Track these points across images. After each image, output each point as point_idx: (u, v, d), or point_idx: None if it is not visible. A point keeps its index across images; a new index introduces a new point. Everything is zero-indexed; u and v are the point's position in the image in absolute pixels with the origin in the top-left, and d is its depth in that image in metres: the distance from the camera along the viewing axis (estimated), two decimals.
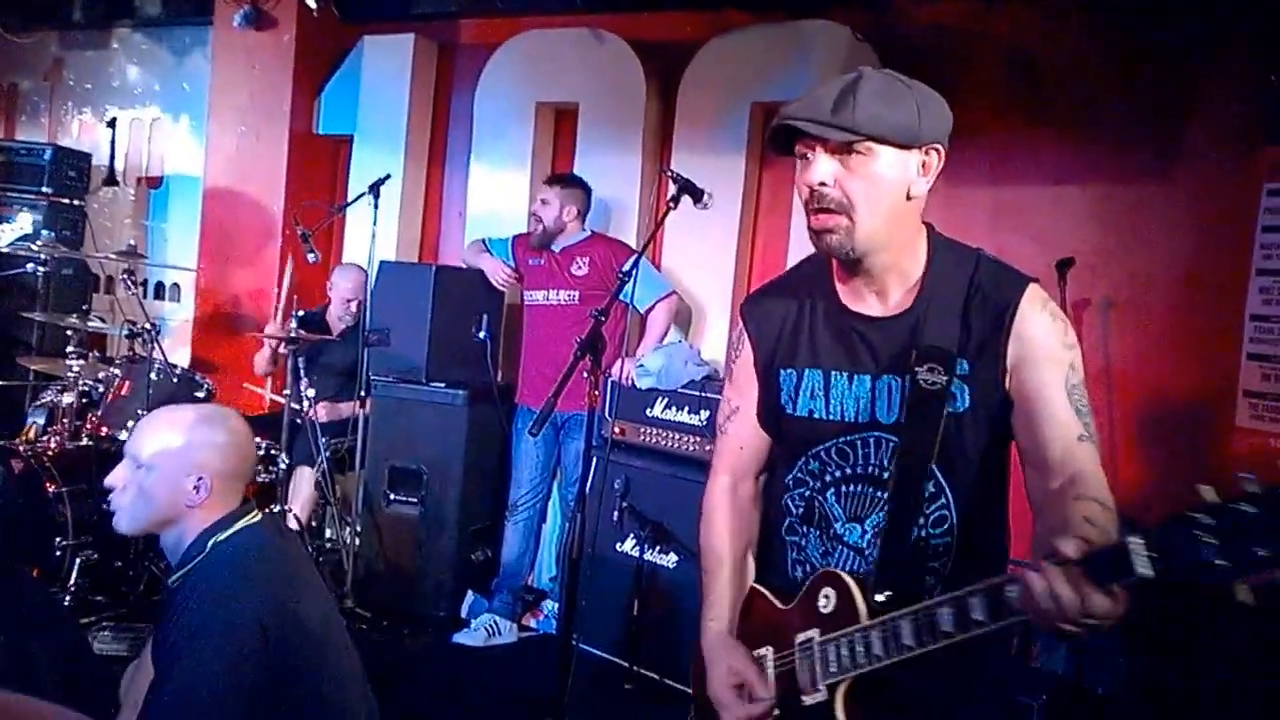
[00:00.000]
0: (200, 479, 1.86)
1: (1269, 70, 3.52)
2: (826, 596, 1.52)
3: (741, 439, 1.73)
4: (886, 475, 1.55)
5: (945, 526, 1.55)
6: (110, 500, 1.91)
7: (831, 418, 1.58)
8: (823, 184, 1.45)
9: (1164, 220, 3.76)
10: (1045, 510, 1.43)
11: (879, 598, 1.47)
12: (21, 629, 1.96)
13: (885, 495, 1.55)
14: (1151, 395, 3.75)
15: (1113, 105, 3.84)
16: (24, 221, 4.47)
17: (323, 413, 4.36)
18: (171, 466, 1.86)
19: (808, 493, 1.63)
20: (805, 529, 1.64)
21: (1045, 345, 1.47)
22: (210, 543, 1.85)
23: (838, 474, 1.60)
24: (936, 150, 1.51)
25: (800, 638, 1.53)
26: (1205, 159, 3.70)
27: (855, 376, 1.56)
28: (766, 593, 1.66)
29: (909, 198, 1.49)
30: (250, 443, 2.00)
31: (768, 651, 1.59)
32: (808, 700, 1.50)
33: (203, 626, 1.70)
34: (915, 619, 1.36)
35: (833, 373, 1.58)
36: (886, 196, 1.47)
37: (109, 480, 1.92)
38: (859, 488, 1.58)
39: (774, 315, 1.67)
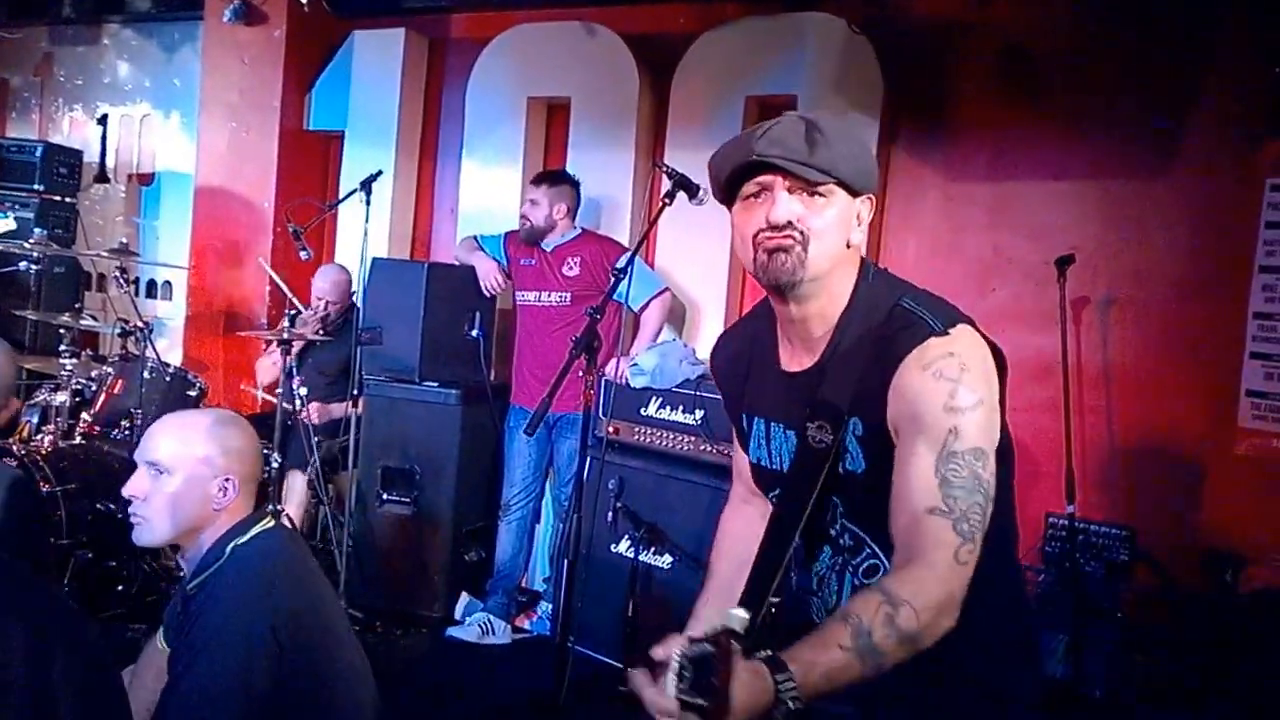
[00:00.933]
0: (228, 480, 1.87)
1: (1270, 63, 3.47)
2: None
3: (740, 465, 1.75)
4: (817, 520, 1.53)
5: (878, 575, 1.47)
6: (132, 512, 1.89)
7: (773, 467, 1.59)
8: (788, 223, 1.41)
9: (1165, 216, 3.72)
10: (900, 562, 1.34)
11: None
12: (45, 646, 1.92)
13: (822, 543, 1.56)
14: (1152, 394, 3.71)
15: (1112, 100, 3.80)
16: (7, 223, 4.44)
17: (315, 414, 4.33)
18: (199, 471, 1.86)
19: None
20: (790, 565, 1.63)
21: (919, 409, 1.36)
22: (230, 547, 1.85)
23: (786, 520, 1.55)
24: (870, 201, 1.50)
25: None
26: (1207, 154, 3.66)
27: (788, 431, 1.55)
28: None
29: (848, 245, 1.48)
30: (259, 444, 2.02)
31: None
32: None
33: (221, 630, 1.71)
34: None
35: (771, 423, 1.59)
36: (837, 241, 1.45)
37: (128, 491, 1.89)
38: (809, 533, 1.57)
39: (733, 360, 1.70)
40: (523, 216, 4.12)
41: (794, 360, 1.55)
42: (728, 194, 1.50)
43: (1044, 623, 3.35)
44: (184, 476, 1.86)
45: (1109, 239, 3.78)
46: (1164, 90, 3.72)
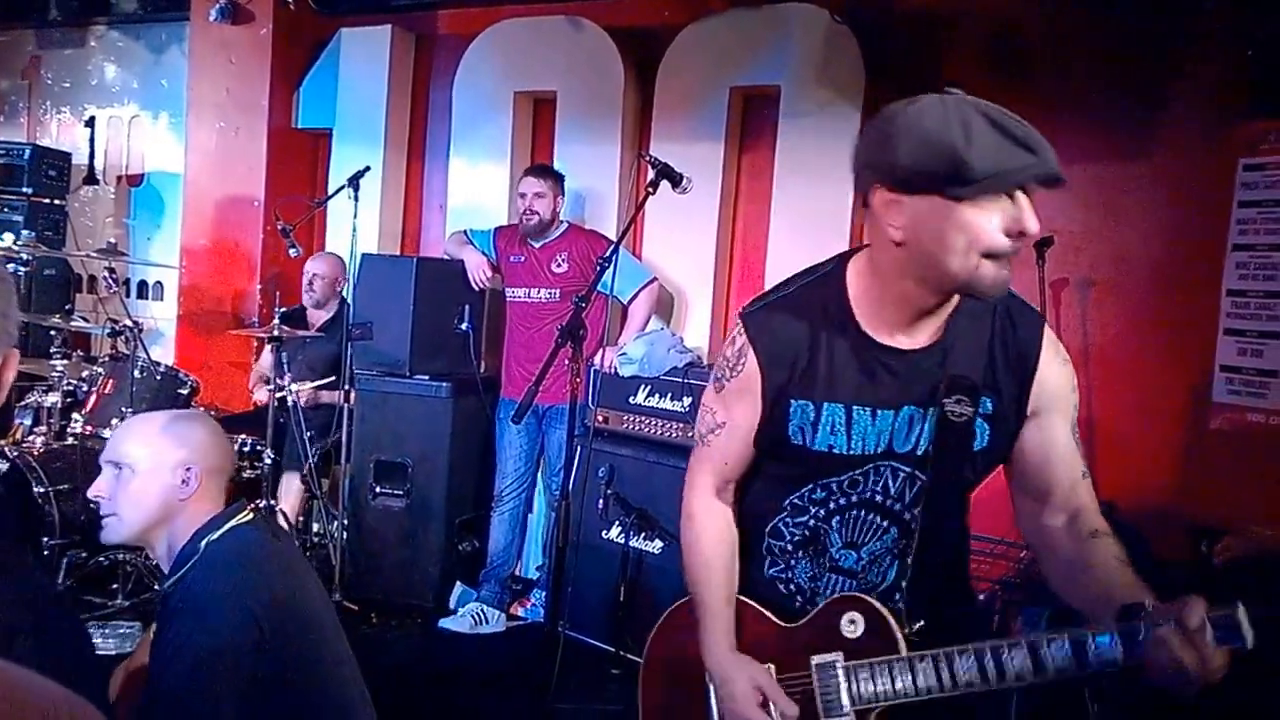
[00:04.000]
0: (188, 469, 1.88)
1: (1246, 46, 3.53)
2: (853, 622, 1.52)
3: (727, 454, 1.64)
4: (891, 503, 1.56)
5: (920, 565, 1.58)
6: (100, 512, 1.91)
7: (853, 452, 1.54)
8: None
9: (1143, 198, 3.78)
10: (1053, 543, 1.54)
11: (913, 629, 1.51)
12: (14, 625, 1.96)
13: (886, 522, 1.57)
14: (1130, 372, 3.77)
15: (1092, 84, 3.85)
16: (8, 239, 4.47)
17: (303, 396, 4.36)
18: (158, 463, 1.88)
19: (810, 520, 1.60)
20: (797, 553, 1.63)
21: (1061, 392, 1.54)
22: (204, 543, 1.85)
23: (842, 501, 1.58)
24: None
25: (818, 659, 1.53)
26: (1183, 136, 3.72)
27: (879, 412, 1.52)
28: (761, 608, 1.62)
29: None
30: (227, 440, 2.03)
31: (771, 668, 1.57)
32: None
33: (199, 630, 1.70)
34: (979, 658, 1.38)
35: (855, 407, 1.52)
36: None
37: (93, 493, 1.92)
38: (861, 514, 1.58)
39: (787, 340, 1.54)
40: (529, 211, 4.10)
41: (897, 339, 1.50)
42: (959, 182, 1.31)
43: (1027, 597, 3.40)
44: (144, 470, 1.88)
45: (1087, 221, 3.83)
46: (1141, 75, 3.78)
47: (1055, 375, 1.52)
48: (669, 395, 3.84)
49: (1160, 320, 3.75)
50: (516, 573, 4.38)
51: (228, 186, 5.26)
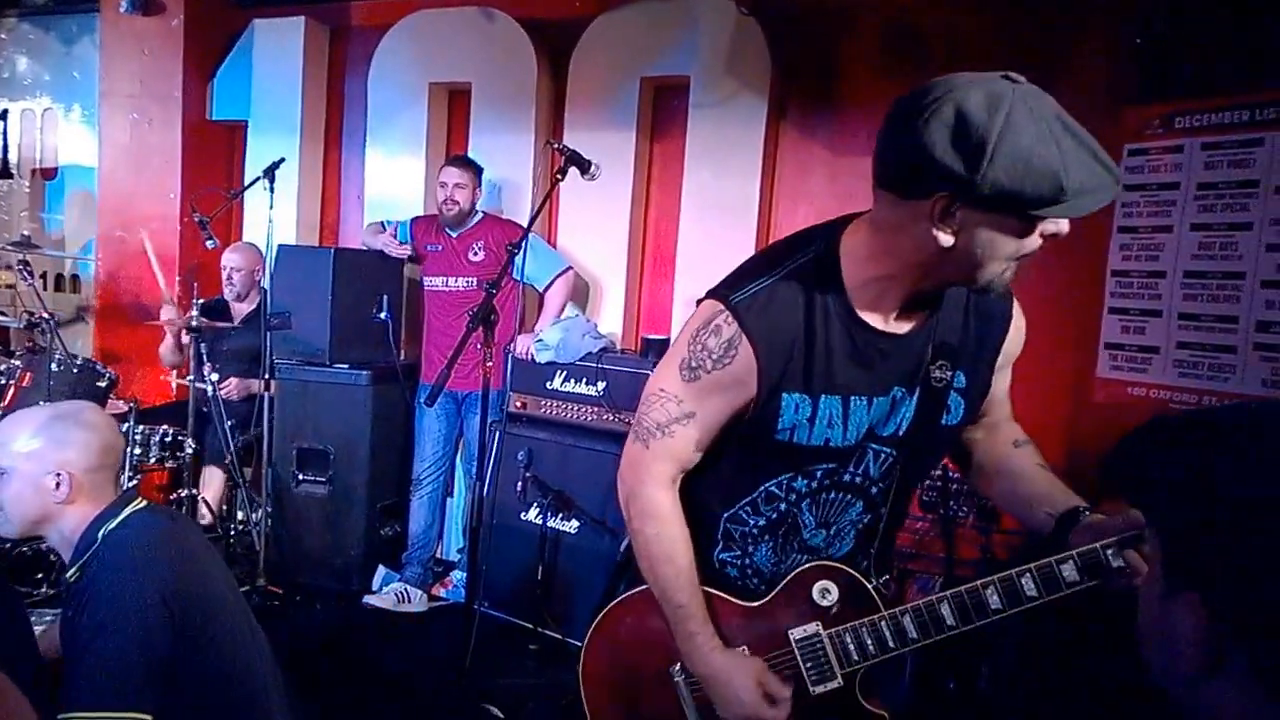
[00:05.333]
0: (59, 476, 1.91)
1: (1133, 35, 3.69)
2: (826, 591, 1.55)
3: (689, 446, 1.55)
4: (863, 482, 1.57)
5: (872, 539, 1.67)
6: None
7: (848, 443, 1.51)
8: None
9: None
10: (981, 457, 1.71)
11: (880, 582, 1.59)
12: None
13: (855, 498, 1.58)
14: (1022, 350, 3.95)
15: (987, 71, 4.00)
16: None
17: (235, 390, 4.39)
18: (29, 468, 1.91)
19: (783, 504, 1.58)
20: (762, 536, 1.61)
21: (1016, 352, 1.65)
22: (101, 532, 1.89)
23: (815, 485, 1.56)
24: None
25: (798, 633, 1.55)
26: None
27: (875, 400, 1.50)
28: (721, 595, 1.60)
29: None
30: (111, 433, 2.03)
31: (744, 649, 1.58)
32: (818, 690, 1.53)
33: (110, 612, 1.73)
34: (959, 600, 1.45)
35: (852, 399, 1.49)
36: None
37: None
38: (835, 495, 1.57)
39: (783, 331, 1.46)
40: (449, 201, 4.17)
41: (890, 324, 1.48)
42: (1052, 203, 1.24)
43: (922, 566, 3.58)
44: (17, 475, 1.90)
45: None
46: (1034, 61, 3.91)
47: (1017, 337, 1.62)
48: (584, 380, 3.95)
49: (1048, 299, 3.92)
50: (438, 555, 4.47)
51: (143, 179, 5.22)
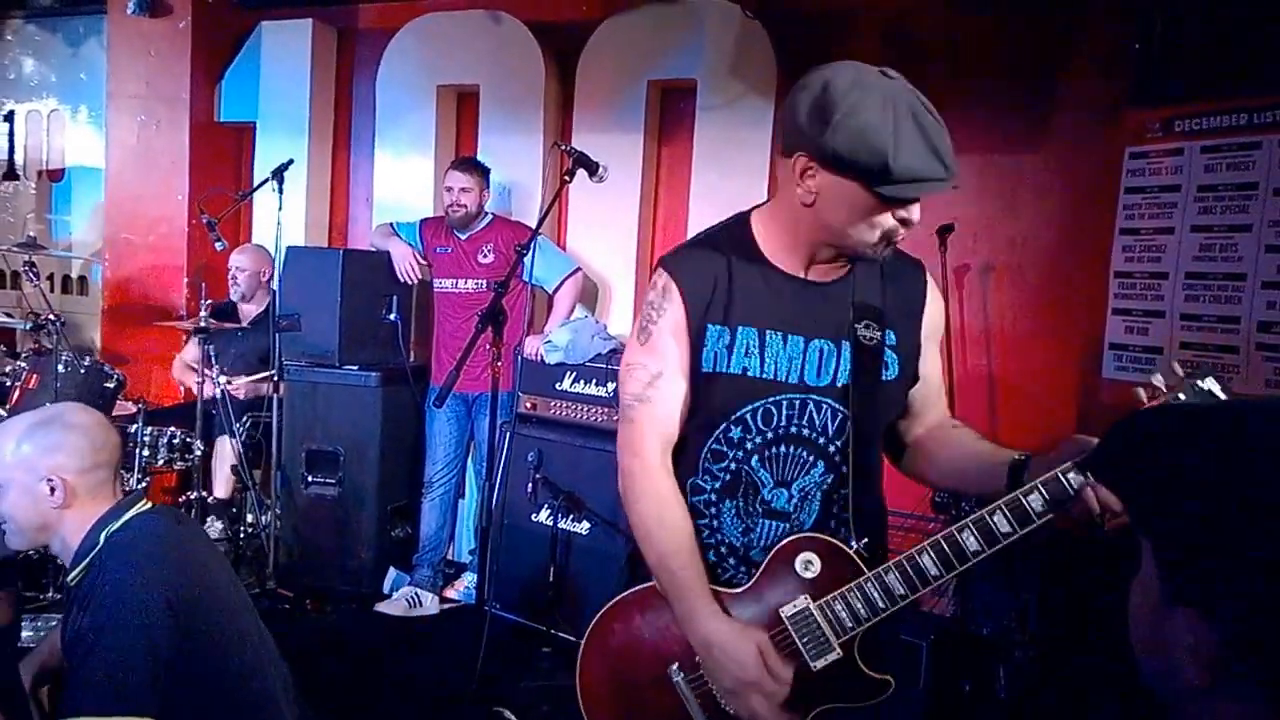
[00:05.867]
0: (52, 481, 1.88)
1: (1131, 40, 3.73)
2: (809, 563, 1.56)
3: (669, 403, 1.62)
4: (816, 437, 1.61)
5: (846, 502, 1.65)
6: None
7: (765, 376, 1.58)
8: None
9: (1037, 186, 3.99)
10: (925, 444, 1.74)
11: (861, 546, 1.58)
12: None
13: (814, 457, 1.61)
14: (1028, 351, 3.99)
15: (986, 77, 4.04)
16: None
17: (241, 389, 4.40)
18: (21, 479, 1.88)
19: (731, 463, 1.62)
20: (722, 503, 1.63)
21: (938, 324, 1.75)
22: (103, 535, 1.88)
23: (759, 440, 1.60)
24: None
25: (788, 611, 1.54)
26: (1073, 127, 3.93)
27: (789, 337, 1.60)
28: (710, 586, 1.59)
29: None
30: (100, 431, 1.98)
31: None
32: (820, 664, 1.53)
33: (113, 615, 1.72)
34: (938, 550, 1.49)
35: (767, 331, 1.59)
36: None
37: None
38: (785, 449, 1.61)
39: (701, 270, 1.62)
40: (455, 204, 4.20)
41: (809, 273, 1.62)
42: (881, 181, 1.44)
43: None
44: (13, 487, 1.88)
45: (986, 209, 4.04)
46: (1033, 68, 3.98)
47: (936, 311, 1.72)
48: (594, 381, 3.97)
49: (1054, 302, 3.97)
50: (449, 556, 4.49)
51: (151, 181, 5.23)
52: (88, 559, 1.87)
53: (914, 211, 1.51)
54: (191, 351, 4.65)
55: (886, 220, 1.49)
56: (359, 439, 4.29)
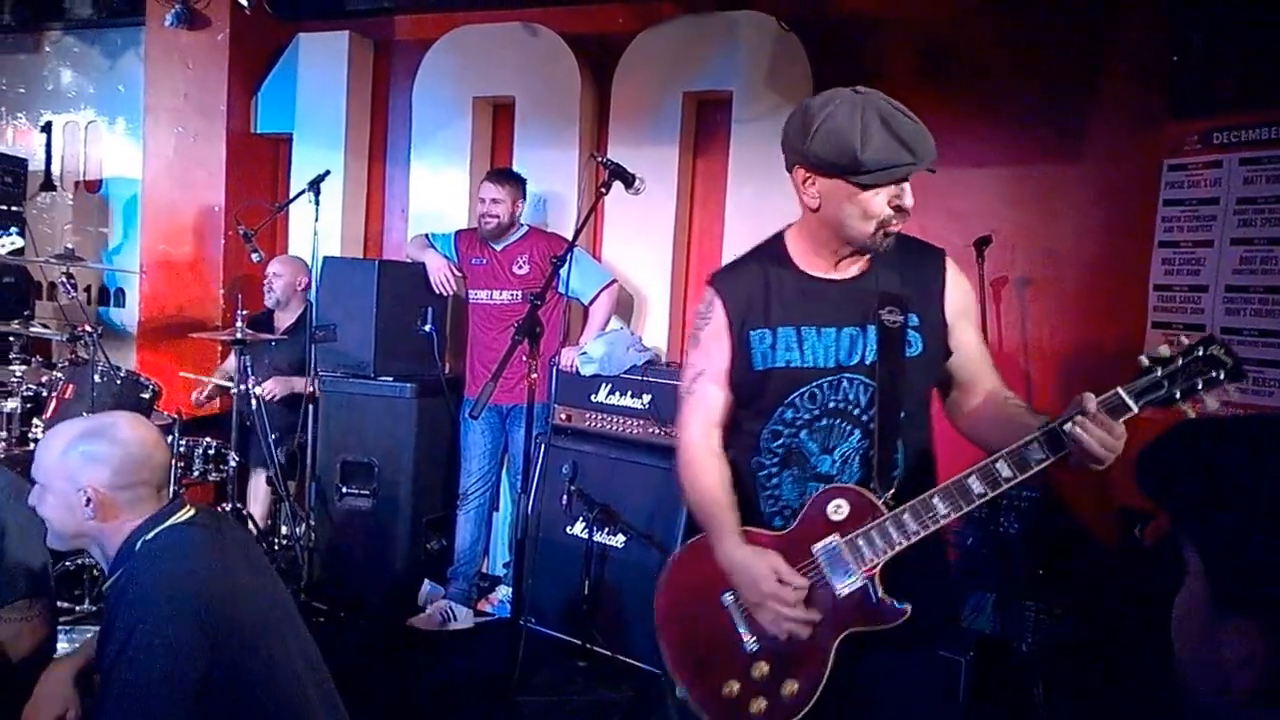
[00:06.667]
0: (87, 494, 1.88)
1: (1169, 52, 3.70)
2: (839, 507, 1.84)
3: (709, 397, 1.99)
4: (852, 409, 1.89)
5: (886, 465, 1.91)
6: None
7: (806, 365, 1.89)
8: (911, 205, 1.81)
9: (1074, 198, 3.96)
10: (981, 414, 1.94)
11: (886, 497, 1.84)
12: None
13: (851, 427, 1.89)
14: (1065, 364, 3.95)
15: (1024, 89, 4.03)
16: (14, 241, 4.46)
17: (274, 389, 4.43)
18: (59, 486, 1.91)
19: (785, 440, 1.93)
20: (782, 473, 1.94)
21: (964, 304, 1.97)
22: (138, 544, 1.89)
23: (807, 416, 1.91)
24: None
25: (818, 546, 1.83)
26: (1111, 139, 3.90)
27: (822, 329, 1.89)
28: (754, 530, 1.91)
29: None
30: (147, 447, 1.97)
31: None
32: (844, 590, 1.81)
33: (138, 626, 1.71)
34: (947, 493, 1.76)
35: (803, 328, 1.90)
36: None
37: (29, 500, 1.97)
38: (827, 422, 1.90)
39: (741, 284, 1.96)
40: (487, 215, 4.20)
41: (835, 273, 1.91)
42: (855, 173, 1.73)
43: (972, 582, 3.57)
44: (53, 493, 1.91)
45: (1023, 221, 4.01)
46: (1070, 79, 3.96)
47: (959, 293, 1.96)
48: (629, 393, 3.96)
49: (1092, 314, 3.94)
50: (483, 570, 4.48)
51: (187, 192, 5.27)
52: (122, 568, 1.88)
53: (905, 197, 1.77)
54: (232, 363, 4.69)
55: (877, 209, 1.76)
56: (394, 451, 4.30)
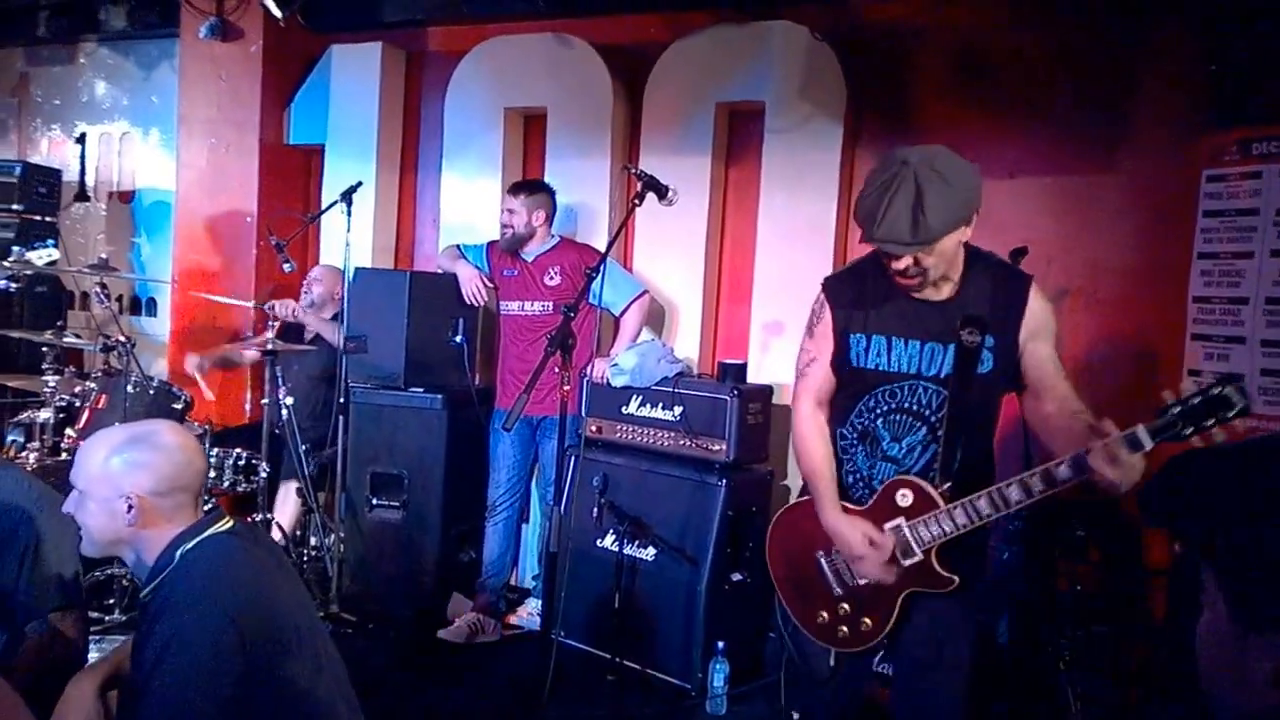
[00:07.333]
0: (130, 500, 1.89)
1: (1209, 61, 3.65)
2: (905, 495, 2.27)
3: (818, 380, 2.42)
4: (923, 410, 2.29)
5: (938, 458, 2.30)
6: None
7: (892, 369, 2.30)
8: (906, 268, 2.15)
9: (1113, 209, 3.90)
10: (1051, 421, 2.21)
11: (944, 489, 2.24)
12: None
13: (919, 424, 2.29)
14: (1104, 377, 3.88)
15: (1061, 98, 3.97)
16: (51, 253, 4.52)
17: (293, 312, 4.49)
18: (101, 492, 1.90)
19: (864, 422, 2.37)
20: (858, 446, 2.39)
21: (1042, 324, 2.26)
22: (178, 553, 1.89)
23: (884, 409, 2.33)
24: (972, 219, 2.17)
25: (889, 525, 2.28)
26: (1149, 148, 3.84)
27: (909, 341, 2.27)
28: (846, 504, 2.37)
29: (959, 244, 2.18)
30: (188, 454, 1.99)
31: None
32: (907, 562, 2.27)
33: (178, 634, 1.72)
34: (990, 497, 2.14)
35: (893, 338, 2.29)
36: (948, 258, 2.18)
37: (65, 507, 1.97)
38: (900, 417, 2.32)
39: (846, 292, 2.37)
40: (504, 226, 4.23)
41: (926, 295, 2.25)
42: (869, 240, 2.15)
43: (1012, 594, 3.50)
44: (93, 499, 1.91)
45: (1061, 231, 3.95)
46: (1108, 89, 3.90)
47: (1039, 314, 2.25)
48: (660, 405, 3.92)
49: (1130, 326, 3.87)
50: (512, 582, 4.45)
51: (220, 203, 5.30)
52: (161, 576, 1.88)
53: (894, 264, 2.17)
54: (248, 354, 4.74)
55: (892, 264, 2.16)
56: (424, 462, 4.28)
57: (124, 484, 1.89)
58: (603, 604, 3.81)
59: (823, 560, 2.44)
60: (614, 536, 3.85)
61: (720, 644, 3.55)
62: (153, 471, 1.91)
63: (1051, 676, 3.32)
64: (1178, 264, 3.71)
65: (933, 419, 2.27)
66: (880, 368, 2.30)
